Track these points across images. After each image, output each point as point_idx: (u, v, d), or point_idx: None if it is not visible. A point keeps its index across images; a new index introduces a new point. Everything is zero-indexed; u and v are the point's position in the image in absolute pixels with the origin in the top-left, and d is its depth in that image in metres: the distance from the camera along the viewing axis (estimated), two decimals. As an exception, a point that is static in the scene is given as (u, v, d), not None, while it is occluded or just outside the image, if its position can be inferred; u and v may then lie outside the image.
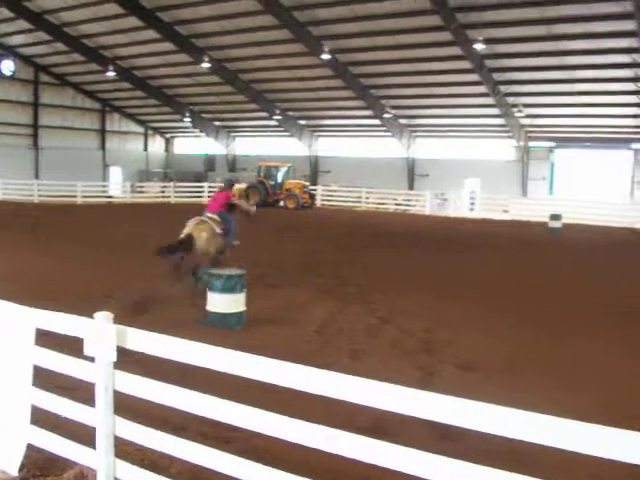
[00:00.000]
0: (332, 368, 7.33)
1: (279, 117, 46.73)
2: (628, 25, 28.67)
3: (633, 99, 34.91)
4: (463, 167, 42.46)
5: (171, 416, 5.16)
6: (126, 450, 4.89)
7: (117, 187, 46.19)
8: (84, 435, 4.80)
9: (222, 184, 17.47)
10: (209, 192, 40.73)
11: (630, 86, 33.81)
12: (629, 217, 34.32)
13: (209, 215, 13.27)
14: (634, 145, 39.07)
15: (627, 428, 3.25)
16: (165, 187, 43.26)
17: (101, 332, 4.38)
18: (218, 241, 13.10)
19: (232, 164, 53.63)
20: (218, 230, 13.03)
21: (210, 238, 12.81)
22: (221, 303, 9.84)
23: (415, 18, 31.80)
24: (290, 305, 11.52)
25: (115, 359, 4.43)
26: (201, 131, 53.46)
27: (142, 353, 4.54)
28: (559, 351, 9.18)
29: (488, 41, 31.61)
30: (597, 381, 7.89)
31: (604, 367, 8.48)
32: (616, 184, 39.53)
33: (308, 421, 4.10)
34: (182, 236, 12.61)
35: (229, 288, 9.85)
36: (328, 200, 40.98)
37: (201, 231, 12.74)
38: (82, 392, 4.98)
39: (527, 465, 5.08)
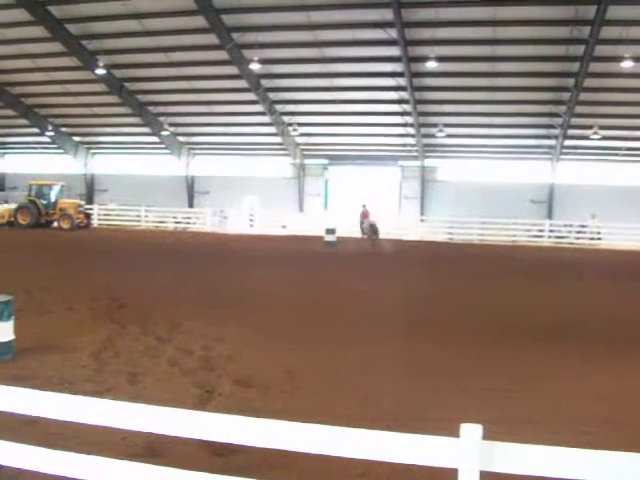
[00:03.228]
0: (110, 393, 7.21)
1: (52, 133, 44.63)
2: (393, 51, 30.72)
3: (399, 119, 37.39)
4: (243, 184, 43.01)
5: None
6: None
7: None
8: None
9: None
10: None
11: (396, 107, 36.17)
12: (399, 229, 36.84)
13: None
14: (401, 162, 41.85)
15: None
16: None
17: None
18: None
19: (1, 183, 50.24)
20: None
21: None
22: (-15, 333, 9.22)
23: (191, 36, 31.89)
24: (65, 330, 11.00)
25: None
26: (-34, 148, 49.65)
27: None
28: (336, 361, 9.55)
29: (263, 61, 32.38)
30: (371, 385, 8.29)
31: (375, 372, 8.95)
32: (386, 198, 42.11)
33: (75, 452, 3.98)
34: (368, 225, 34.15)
35: (-6, 316, 9.24)
36: (106, 220, 39.76)
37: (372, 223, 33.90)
38: None
39: (297, 471, 5.29)
